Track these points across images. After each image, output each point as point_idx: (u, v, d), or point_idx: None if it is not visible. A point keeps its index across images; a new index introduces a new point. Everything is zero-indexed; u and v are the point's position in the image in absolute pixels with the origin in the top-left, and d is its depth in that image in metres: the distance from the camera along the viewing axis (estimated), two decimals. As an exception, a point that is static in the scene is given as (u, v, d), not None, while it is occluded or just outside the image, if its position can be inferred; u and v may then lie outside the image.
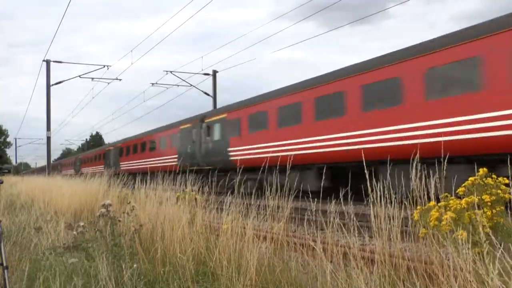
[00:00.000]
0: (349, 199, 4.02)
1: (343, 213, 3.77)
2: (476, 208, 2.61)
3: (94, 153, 44.57)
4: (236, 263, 3.58)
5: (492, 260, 2.23)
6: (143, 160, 27.42)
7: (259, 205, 4.52)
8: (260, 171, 6.12)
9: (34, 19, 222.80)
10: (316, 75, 14.25)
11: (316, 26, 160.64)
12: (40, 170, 75.54)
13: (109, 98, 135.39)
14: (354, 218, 3.54)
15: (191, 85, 29.62)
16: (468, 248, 2.27)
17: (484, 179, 2.91)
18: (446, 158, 3.31)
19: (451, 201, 2.74)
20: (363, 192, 3.74)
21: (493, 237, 2.30)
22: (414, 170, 3.29)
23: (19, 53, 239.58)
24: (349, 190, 4.35)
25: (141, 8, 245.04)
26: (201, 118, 20.87)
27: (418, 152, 3.83)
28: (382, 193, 3.30)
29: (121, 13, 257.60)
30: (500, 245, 2.28)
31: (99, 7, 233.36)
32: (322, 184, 7.93)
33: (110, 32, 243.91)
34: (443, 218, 2.62)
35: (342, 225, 3.52)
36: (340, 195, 4.34)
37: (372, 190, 3.33)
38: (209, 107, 29.00)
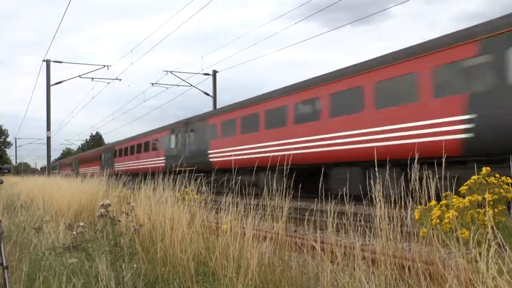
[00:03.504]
0: (348, 199, 4.01)
1: (343, 213, 3.76)
2: (480, 206, 2.60)
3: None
4: (236, 263, 3.57)
5: (494, 259, 2.22)
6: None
7: (257, 205, 4.51)
8: None
9: (34, 19, 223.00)
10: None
11: (318, 26, 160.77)
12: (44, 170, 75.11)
13: (109, 98, 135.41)
14: (358, 218, 3.53)
15: (191, 85, 29.68)
16: (474, 248, 2.26)
17: (486, 178, 2.90)
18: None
19: (453, 200, 2.73)
20: (361, 192, 3.73)
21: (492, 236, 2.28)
22: (415, 171, 3.28)
23: (19, 53, 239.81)
24: (348, 190, 4.36)
25: (142, 8, 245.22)
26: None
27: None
28: (381, 193, 3.29)
29: (121, 13, 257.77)
30: (503, 245, 2.27)
31: (99, 7, 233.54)
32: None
33: (110, 32, 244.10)
34: (445, 216, 2.61)
35: (343, 225, 3.51)
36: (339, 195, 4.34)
37: (371, 190, 3.32)
38: (209, 107, 29.11)
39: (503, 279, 2.13)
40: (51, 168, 31.65)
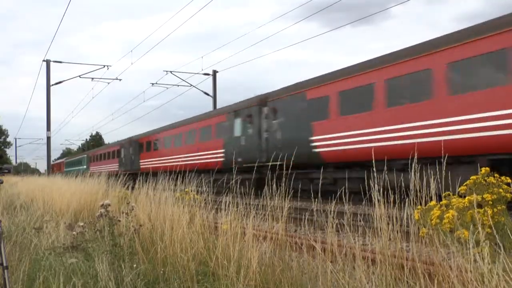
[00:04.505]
0: (347, 199, 4.01)
1: (343, 213, 3.76)
2: (478, 206, 2.60)
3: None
4: (236, 263, 3.58)
5: (493, 259, 2.22)
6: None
7: (257, 205, 4.51)
8: None
9: (34, 19, 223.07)
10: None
11: (318, 26, 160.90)
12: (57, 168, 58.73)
13: (109, 98, 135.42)
14: (359, 218, 3.53)
15: (191, 85, 29.65)
16: (473, 247, 2.26)
17: (486, 177, 2.90)
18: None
19: (453, 200, 2.73)
20: (362, 192, 3.73)
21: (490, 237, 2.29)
22: (413, 170, 3.28)
23: (19, 53, 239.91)
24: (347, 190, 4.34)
25: (142, 8, 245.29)
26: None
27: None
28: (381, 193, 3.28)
29: (121, 13, 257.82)
30: (502, 244, 2.27)
31: (99, 7, 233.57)
32: None
33: (110, 32, 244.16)
34: (445, 216, 2.61)
35: (343, 225, 3.51)
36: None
37: (370, 190, 3.32)
38: (210, 107, 29.00)
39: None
40: (50, 168, 31.42)
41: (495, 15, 9.48)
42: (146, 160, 26.48)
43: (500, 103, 8.85)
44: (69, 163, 58.77)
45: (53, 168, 65.77)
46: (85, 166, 44.80)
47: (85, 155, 48.14)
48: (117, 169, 30.45)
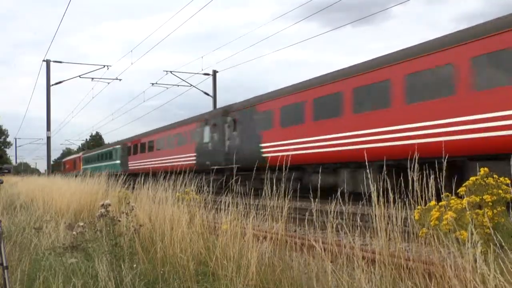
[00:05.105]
0: (346, 199, 4.02)
1: (342, 212, 3.76)
2: (477, 208, 2.60)
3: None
4: (236, 263, 3.58)
5: (493, 259, 2.22)
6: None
7: (257, 205, 4.51)
8: None
9: (34, 19, 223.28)
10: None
11: (318, 26, 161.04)
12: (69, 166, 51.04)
13: (109, 98, 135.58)
14: (357, 218, 3.53)
15: (191, 85, 29.64)
16: (474, 248, 2.27)
17: (485, 178, 2.91)
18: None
19: (452, 201, 2.74)
20: (362, 192, 3.73)
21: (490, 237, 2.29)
22: (414, 171, 3.27)
23: (19, 53, 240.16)
24: (346, 189, 4.34)
25: (142, 8, 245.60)
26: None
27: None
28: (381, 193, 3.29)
29: (121, 13, 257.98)
30: (501, 245, 2.28)
31: (99, 7, 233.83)
32: None
33: (110, 32, 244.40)
34: (444, 217, 2.62)
35: (343, 225, 3.51)
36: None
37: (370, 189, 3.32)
38: (210, 107, 28.98)
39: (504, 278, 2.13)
40: (51, 168, 31.30)
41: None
42: (279, 144, 14.18)
43: None
44: (90, 158, 41.37)
45: (64, 166, 56.96)
46: (118, 161, 30.76)
47: (119, 146, 31.82)
48: (193, 162, 18.36)
